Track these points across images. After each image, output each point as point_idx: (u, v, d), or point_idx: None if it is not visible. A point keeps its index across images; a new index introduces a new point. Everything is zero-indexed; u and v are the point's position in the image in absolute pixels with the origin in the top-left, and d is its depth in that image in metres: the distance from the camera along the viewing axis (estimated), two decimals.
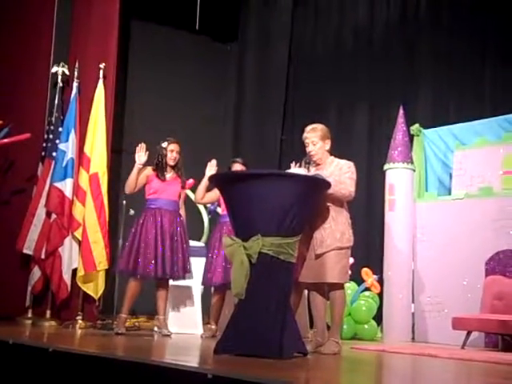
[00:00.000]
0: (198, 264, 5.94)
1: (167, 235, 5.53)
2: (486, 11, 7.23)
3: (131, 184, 5.64)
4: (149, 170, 5.70)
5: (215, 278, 5.69)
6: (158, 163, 5.69)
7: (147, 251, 5.45)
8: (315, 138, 4.73)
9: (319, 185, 4.27)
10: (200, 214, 7.13)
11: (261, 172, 4.11)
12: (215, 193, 5.77)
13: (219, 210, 6.31)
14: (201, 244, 6.72)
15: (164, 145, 5.69)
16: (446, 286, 6.32)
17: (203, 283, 5.89)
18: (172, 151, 5.70)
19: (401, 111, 6.84)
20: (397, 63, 7.93)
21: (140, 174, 5.66)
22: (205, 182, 5.72)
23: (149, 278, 5.54)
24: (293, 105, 8.91)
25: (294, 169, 4.65)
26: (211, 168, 5.69)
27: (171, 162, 5.71)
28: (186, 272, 5.59)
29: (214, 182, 4.55)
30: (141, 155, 5.62)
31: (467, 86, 7.28)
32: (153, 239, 5.48)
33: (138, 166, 5.62)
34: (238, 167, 5.82)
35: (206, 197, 5.84)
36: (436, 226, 6.52)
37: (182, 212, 5.78)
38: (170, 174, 5.73)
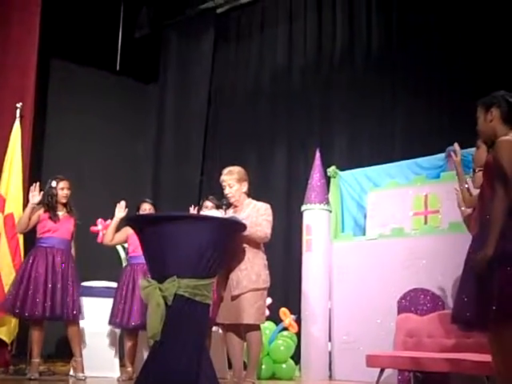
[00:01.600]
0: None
1: (59, 275, 5.51)
2: (394, 61, 7.63)
3: (23, 223, 5.67)
4: (41, 210, 5.72)
5: (120, 320, 5.69)
6: (48, 203, 5.71)
7: (36, 292, 5.40)
8: (232, 180, 4.86)
9: (235, 227, 4.34)
10: (118, 254, 7.09)
11: (176, 214, 4.17)
12: (123, 233, 5.88)
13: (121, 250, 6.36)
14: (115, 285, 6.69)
15: (53, 184, 5.74)
16: (361, 324, 6.47)
17: (109, 323, 5.85)
18: (63, 189, 5.76)
19: (317, 154, 7.03)
20: (314, 107, 8.23)
21: (33, 213, 5.67)
22: (114, 223, 5.82)
23: (38, 320, 5.44)
24: (213, 146, 9.05)
25: (210, 211, 4.75)
26: (120, 210, 5.79)
27: (63, 200, 5.77)
28: (76, 313, 5.54)
29: (130, 223, 4.58)
30: (35, 195, 5.65)
31: (379, 130, 7.61)
32: (43, 279, 5.43)
33: (31, 205, 5.65)
34: (146, 207, 5.95)
35: (115, 238, 5.92)
36: (352, 265, 6.70)
37: (73, 251, 5.81)
38: (62, 212, 5.77)
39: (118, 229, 5.89)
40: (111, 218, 6.03)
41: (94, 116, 8.75)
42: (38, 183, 5.68)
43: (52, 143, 8.33)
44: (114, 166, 8.77)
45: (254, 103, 8.83)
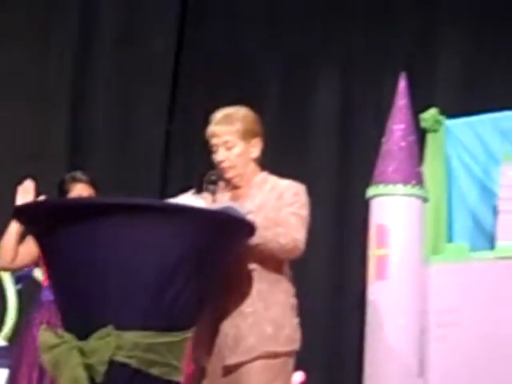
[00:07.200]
0: None
1: None
2: None
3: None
4: None
5: None
6: None
7: None
8: (231, 135, 4.82)
9: (233, 228, 4.36)
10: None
11: (119, 202, 4.17)
12: (32, 247, 5.79)
13: (39, 275, 6.47)
14: (2, 343, 6.85)
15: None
16: None
17: None
18: None
19: (402, 83, 7.04)
20: None
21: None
22: (14, 228, 5.81)
23: None
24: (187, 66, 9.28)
25: (186, 197, 4.71)
26: (25, 195, 5.73)
27: None
28: None
29: (24, 221, 4.60)
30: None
31: None
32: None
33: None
34: (81, 190, 5.97)
35: (22, 254, 5.92)
36: (467, 308, 6.71)
37: None
38: None
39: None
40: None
41: None
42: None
43: None
44: None
45: None
